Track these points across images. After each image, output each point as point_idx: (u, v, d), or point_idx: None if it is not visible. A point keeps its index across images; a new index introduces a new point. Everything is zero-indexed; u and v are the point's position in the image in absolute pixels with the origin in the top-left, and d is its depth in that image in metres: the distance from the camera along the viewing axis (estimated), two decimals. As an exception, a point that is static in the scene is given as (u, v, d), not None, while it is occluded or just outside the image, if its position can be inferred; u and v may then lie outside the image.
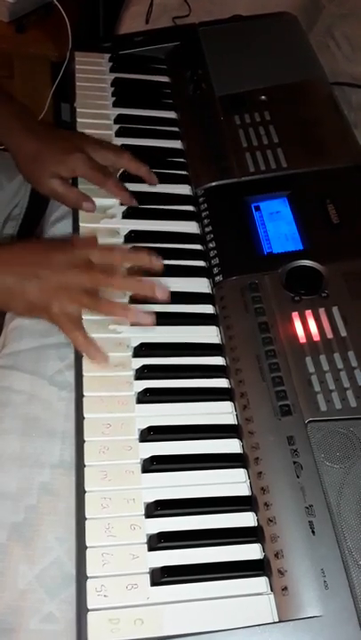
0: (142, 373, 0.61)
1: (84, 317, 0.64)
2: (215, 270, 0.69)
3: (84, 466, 0.55)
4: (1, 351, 0.72)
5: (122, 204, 0.75)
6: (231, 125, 0.81)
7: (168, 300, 0.63)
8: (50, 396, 0.67)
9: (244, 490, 0.55)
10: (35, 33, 1.31)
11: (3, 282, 0.62)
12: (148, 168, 0.77)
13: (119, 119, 0.85)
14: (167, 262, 0.69)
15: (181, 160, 0.82)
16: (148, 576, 0.50)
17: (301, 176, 0.75)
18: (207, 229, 0.73)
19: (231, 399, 0.60)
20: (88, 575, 0.49)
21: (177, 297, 0.66)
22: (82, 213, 0.74)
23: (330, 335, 0.61)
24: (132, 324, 0.63)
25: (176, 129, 0.86)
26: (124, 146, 0.80)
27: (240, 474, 0.56)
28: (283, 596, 0.49)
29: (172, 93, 0.91)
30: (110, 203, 0.75)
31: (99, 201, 0.75)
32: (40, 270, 0.62)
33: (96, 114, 0.85)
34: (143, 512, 0.53)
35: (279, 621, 0.48)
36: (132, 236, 0.72)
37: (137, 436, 0.57)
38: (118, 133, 0.83)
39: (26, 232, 1.03)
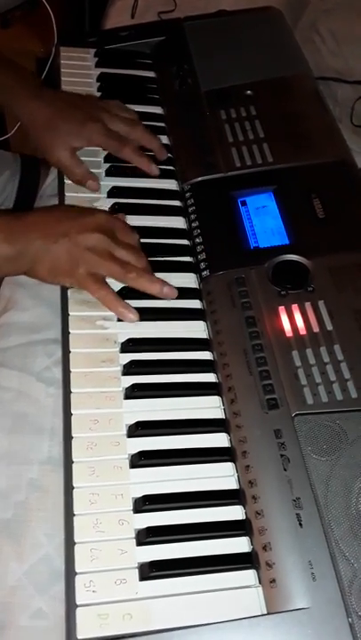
0: (130, 369, 0.61)
1: (70, 314, 0.64)
2: (202, 265, 0.69)
3: (72, 462, 0.55)
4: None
5: (108, 196, 0.75)
6: (217, 120, 0.81)
7: (173, 296, 0.65)
8: (38, 393, 0.67)
9: (232, 483, 0.55)
10: (19, 28, 1.31)
11: (31, 245, 0.62)
12: (160, 142, 0.78)
13: (105, 115, 0.84)
14: (154, 258, 0.69)
15: (168, 155, 0.82)
16: (136, 571, 0.50)
17: (287, 171, 0.75)
18: (194, 224, 0.73)
19: (219, 393, 0.61)
20: (77, 571, 0.49)
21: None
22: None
23: (316, 329, 0.61)
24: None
25: (162, 124, 0.85)
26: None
27: (228, 467, 0.56)
28: (271, 589, 0.49)
29: (158, 88, 0.90)
30: (97, 197, 0.75)
31: (85, 195, 0.75)
32: (68, 232, 0.62)
33: (82, 109, 0.84)
34: (131, 507, 0.53)
35: (267, 614, 0.48)
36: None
37: (125, 432, 0.57)
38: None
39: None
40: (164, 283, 0.64)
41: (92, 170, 0.76)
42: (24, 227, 0.63)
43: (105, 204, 0.74)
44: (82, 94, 0.81)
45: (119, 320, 0.64)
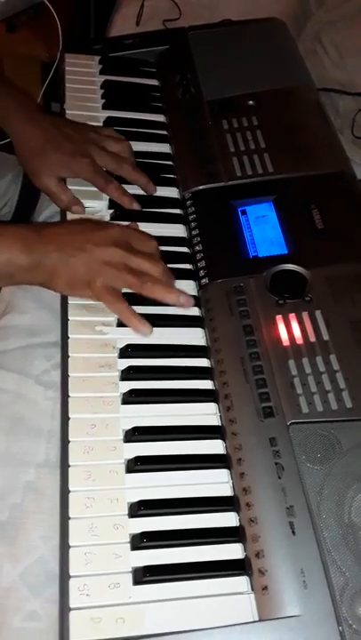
0: (128, 374, 0.61)
1: (70, 318, 0.64)
2: (201, 273, 0.69)
3: (69, 465, 0.55)
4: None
5: (110, 208, 0.76)
6: (219, 130, 0.82)
7: (189, 306, 0.65)
8: (36, 396, 0.67)
9: (226, 490, 0.56)
10: (25, 33, 1.32)
11: (49, 259, 0.62)
12: (147, 179, 0.78)
13: (108, 122, 0.85)
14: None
15: (169, 163, 0.83)
16: (130, 575, 0.50)
17: (287, 181, 0.76)
18: (194, 232, 0.73)
19: (215, 400, 0.61)
20: (71, 574, 0.50)
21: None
22: (70, 215, 0.75)
23: (313, 339, 0.62)
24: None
25: (165, 132, 0.86)
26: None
27: (223, 474, 0.56)
28: (263, 596, 0.49)
29: (162, 97, 0.91)
30: (98, 206, 0.76)
31: (87, 202, 0.75)
32: (85, 246, 0.63)
33: (85, 116, 0.85)
34: (127, 512, 0.53)
35: (259, 620, 0.49)
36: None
37: (121, 437, 0.58)
38: (107, 136, 0.83)
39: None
40: (181, 292, 0.65)
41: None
42: (42, 238, 0.63)
43: (106, 213, 0.75)
44: (76, 122, 0.81)
45: (118, 325, 0.65)
